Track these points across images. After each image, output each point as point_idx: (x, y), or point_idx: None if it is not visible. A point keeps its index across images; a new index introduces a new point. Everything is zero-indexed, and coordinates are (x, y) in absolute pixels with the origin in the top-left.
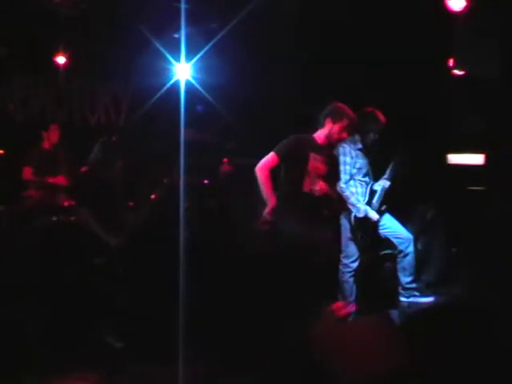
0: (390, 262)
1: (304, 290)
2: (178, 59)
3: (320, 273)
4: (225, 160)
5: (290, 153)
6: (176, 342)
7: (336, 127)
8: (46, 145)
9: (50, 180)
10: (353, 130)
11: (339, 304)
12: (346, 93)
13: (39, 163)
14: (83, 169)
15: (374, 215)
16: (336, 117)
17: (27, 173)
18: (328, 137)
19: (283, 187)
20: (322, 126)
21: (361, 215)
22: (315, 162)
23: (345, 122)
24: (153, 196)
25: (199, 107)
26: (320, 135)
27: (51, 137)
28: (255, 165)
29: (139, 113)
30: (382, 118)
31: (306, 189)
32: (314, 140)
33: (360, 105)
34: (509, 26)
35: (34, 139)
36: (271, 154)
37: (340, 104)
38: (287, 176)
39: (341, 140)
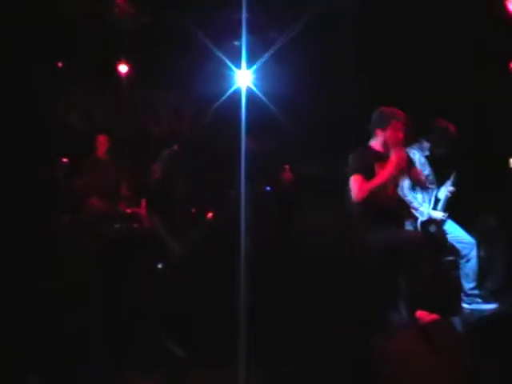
0: (453, 269)
1: (372, 298)
2: (239, 66)
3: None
4: (286, 167)
5: (364, 166)
6: (237, 351)
7: (388, 133)
8: (98, 154)
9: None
10: (405, 126)
11: (422, 313)
12: (409, 104)
13: (93, 173)
14: (154, 177)
15: (438, 214)
16: (383, 124)
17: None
18: (385, 145)
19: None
20: (374, 136)
21: (425, 218)
22: (380, 170)
23: (394, 125)
24: (210, 215)
25: (263, 115)
26: (376, 145)
27: (100, 147)
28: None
29: (202, 122)
30: (454, 132)
31: (380, 198)
32: (374, 150)
33: (424, 115)
34: None
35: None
36: (357, 177)
37: (382, 108)
38: None
39: (399, 141)
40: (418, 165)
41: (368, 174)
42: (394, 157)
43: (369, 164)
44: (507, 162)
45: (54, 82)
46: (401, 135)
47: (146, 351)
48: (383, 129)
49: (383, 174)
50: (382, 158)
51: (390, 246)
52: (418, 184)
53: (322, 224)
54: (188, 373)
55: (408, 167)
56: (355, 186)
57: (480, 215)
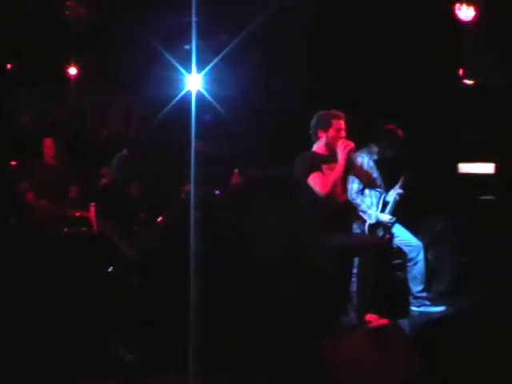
0: (400, 272)
1: (322, 300)
2: (189, 70)
3: (339, 283)
4: (236, 171)
5: (315, 166)
6: (188, 354)
7: (330, 133)
8: (46, 158)
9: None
10: (345, 126)
11: (372, 317)
12: (357, 104)
13: (41, 176)
14: (103, 180)
15: (386, 217)
16: (324, 125)
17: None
18: (328, 146)
19: (307, 207)
20: (317, 139)
21: (373, 221)
22: (328, 172)
23: (335, 125)
24: (159, 219)
25: (207, 116)
26: (320, 147)
27: (46, 151)
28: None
29: (150, 124)
30: (401, 136)
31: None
32: (318, 154)
33: (371, 114)
34: None
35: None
36: (316, 174)
37: (321, 112)
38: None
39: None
40: (366, 168)
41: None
42: (342, 148)
43: (318, 166)
44: (455, 167)
45: (3, 84)
46: (343, 134)
47: (95, 355)
48: (325, 130)
49: (340, 167)
50: (327, 160)
51: (339, 250)
52: (368, 184)
53: (271, 227)
54: (137, 376)
55: (356, 168)
56: (318, 181)
57: (428, 218)
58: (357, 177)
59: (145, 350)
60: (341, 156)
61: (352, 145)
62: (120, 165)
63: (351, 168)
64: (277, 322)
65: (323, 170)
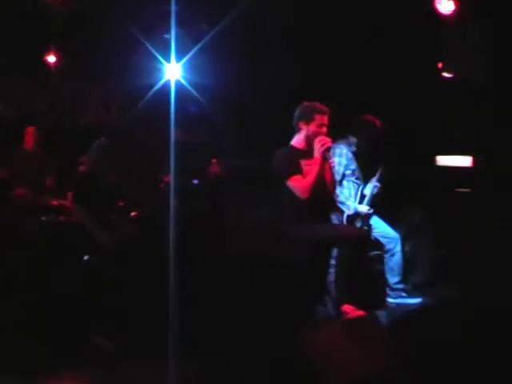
0: (378, 263)
1: (299, 292)
2: (168, 59)
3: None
4: (214, 161)
5: (294, 165)
6: (167, 343)
7: (311, 127)
8: (26, 146)
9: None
10: (328, 122)
11: (349, 308)
12: (337, 94)
13: (20, 164)
14: (81, 168)
15: (364, 208)
16: (307, 118)
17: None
18: (307, 139)
19: (287, 198)
20: (298, 131)
21: (351, 212)
22: (307, 168)
23: (318, 119)
24: (133, 214)
25: (192, 108)
26: (299, 141)
27: (28, 139)
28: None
29: (130, 113)
30: (381, 128)
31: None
32: (296, 149)
33: (349, 107)
34: (497, 30)
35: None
36: (295, 177)
37: (306, 103)
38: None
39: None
40: (344, 159)
41: (300, 173)
42: (318, 147)
43: (296, 163)
44: (433, 159)
45: None
46: (324, 130)
47: (74, 344)
48: (307, 123)
49: (315, 167)
50: (306, 155)
51: (317, 240)
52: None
53: (250, 218)
54: (115, 366)
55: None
56: (298, 186)
57: (406, 210)
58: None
59: (124, 339)
60: (316, 153)
61: (329, 143)
62: (98, 153)
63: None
64: (254, 312)
65: (301, 165)
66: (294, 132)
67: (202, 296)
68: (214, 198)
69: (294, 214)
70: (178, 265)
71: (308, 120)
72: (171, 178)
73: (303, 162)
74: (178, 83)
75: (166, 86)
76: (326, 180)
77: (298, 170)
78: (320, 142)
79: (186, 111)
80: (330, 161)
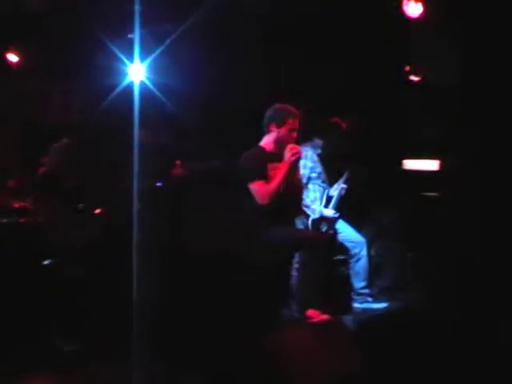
0: (343, 268)
1: (263, 295)
2: (132, 60)
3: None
4: (177, 162)
5: (260, 169)
6: (130, 345)
7: (282, 131)
8: None
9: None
10: (299, 127)
11: (313, 312)
12: (303, 96)
13: None
14: (41, 170)
15: (329, 212)
16: (279, 120)
17: None
18: (277, 142)
19: (250, 201)
20: (267, 132)
21: (316, 216)
22: (274, 172)
23: (290, 124)
24: (97, 211)
25: (156, 109)
26: (268, 143)
27: None
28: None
29: (92, 114)
30: (346, 129)
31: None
32: (265, 151)
33: (314, 108)
34: (466, 33)
35: None
36: (258, 183)
37: (279, 105)
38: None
39: (291, 141)
40: (309, 162)
41: (265, 177)
42: (289, 155)
43: (263, 166)
44: (400, 162)
45: None
46: (295, 135)
47: (34, 347)
48: (279, 126)
49: (280, 174)
50: (274, 158)
51: (282, 244)
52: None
53: (214, 221)
54: (77, 368)
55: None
56: (259, 192)
57: (374, 213)
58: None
59: (85, 341)
60: (286, 162)
61: (300, 153)
62: (58, 154)
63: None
64: (218, 315)
65: (268, 169)
66: (262, 134)
67: (165, 298)
68: (177, 200)
69: (258, 218)
70: (140, 269)
71: (280, 123)
72: (134, 180)
73: (271, 166)
74: (141, 84)
75: (130, 86)
76: (294, 184)
77: (263, 175)
78: (291, 150)
79: (150, 112)
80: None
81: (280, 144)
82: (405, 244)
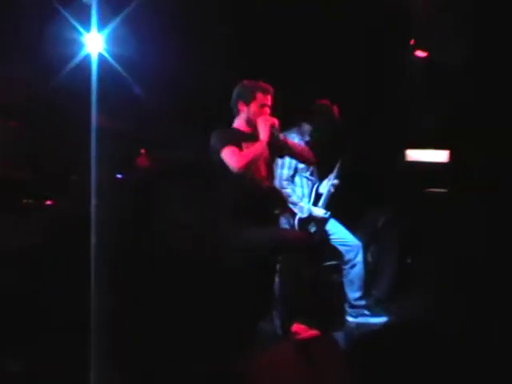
0: (335, 275)
1: (237, 305)
2: (88, 29)
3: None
4: (142, 151)
5: (233, 140)
6: (89, 355)
7: (252, 108)
8: None
9: None
10: (272, 101)
11: (299, 327)
12: (287, 75)
13: None
14: None
15: (319, 211)
16: (247, 97)
17: None
18: (249, 122)
19: (223, 189)
20: (237, 113)
21: (305, 215)
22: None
23: (259, 99)
24: (48, 202)
25: (117, 87)
26: (240, 124)
27: None
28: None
29: (43, 94)
30: (338, 114)
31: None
32: (238, 130)
33: (301, 90)
34: (478, 9)
35: None
36: (230, 148)
37: (245, 81)
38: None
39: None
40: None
41: (238, 146)
42: (263, 127)
43: (236, 140)
44: (402, 153)
45: None
46: (267, 111)
47: None
48: (247, 103)
49: (258, 145)
50: (249, 138)
51: (260, 246)
52: (308, 163)
53: (183, 219)
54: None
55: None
56: (231, 155)
57: (368, 213)
58: (293, 156)
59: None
60: (262, 133)
61: (274, 120)
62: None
63: (279, 148)
64: (187, 328)
65: (242, 147)
66: (234, 114)
67: (128, 307)
68: (142, 196)
69: (232, 214)
70: (98, 278)
71: (248, 99)
72: (92, 172)
73: (245, 145)
74: (100, 57)
75: (86, 60)
76: (265, 166)
77: (236, 142)
78: (263, 120)
79: (109, 90)
80: (281, 137)
81: (252, 123)
82: (406, 248)
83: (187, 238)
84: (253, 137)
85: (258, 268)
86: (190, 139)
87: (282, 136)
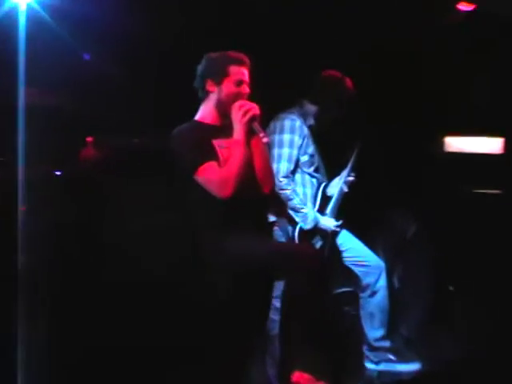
0: (349, 307)
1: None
2: None
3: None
4: (88, 140)
5: (204, 149)
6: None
7: (225, 87)
8: None
9: None
10: (250, 78)
11: (302, 376)
12: (280, 38)
13: None
14: None
15: (329, 223)
16: (217, 74)
17: None
18: (220, 108)
19: (196, 199)
20: (205, 97)
21: (308, 226)
22: (224, 151)
23: (234, 73)
24: None
25: (52, 50)
26: (207, 112)
27: None
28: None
29: None
30: (352, 88)
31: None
32: (204, 124)
33: (302, 57)
34: None
35: None
36: (209, 165)
37: (214, 53)
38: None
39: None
40: (297, 137)
41: (214, 157)
42: (239, 116)
43: (206, 145)
44: (439, 142)
45: None
46: (245, 90)
47: None
48: (217, 82)
49: (236, 150)
50: (219, 132)
51: (250, 267)
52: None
53: (144, 227)
54: None
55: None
56: (212, 180)
57: (393, 221)
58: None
59: None
60: (238, 129)
61: (256, 109)
62: None
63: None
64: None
65: (215, 148)
66: (200, 98)
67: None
68: (88, 198)
69: (210, 224)
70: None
71: (219, 77)
72: (18, 167)
73: (217, 143)
74: (29, 9)
75: (12, 13)
76: (256, 169)
77: (210, 155)
78: (241, 107)
79: (41, 54)
80: (261, 135)
81: (225, 109)
82: (446, 271)
83: (150, 256)
84: (225, 130)
85: (246, 297)
86: (153, 122)
87: (263, 136)
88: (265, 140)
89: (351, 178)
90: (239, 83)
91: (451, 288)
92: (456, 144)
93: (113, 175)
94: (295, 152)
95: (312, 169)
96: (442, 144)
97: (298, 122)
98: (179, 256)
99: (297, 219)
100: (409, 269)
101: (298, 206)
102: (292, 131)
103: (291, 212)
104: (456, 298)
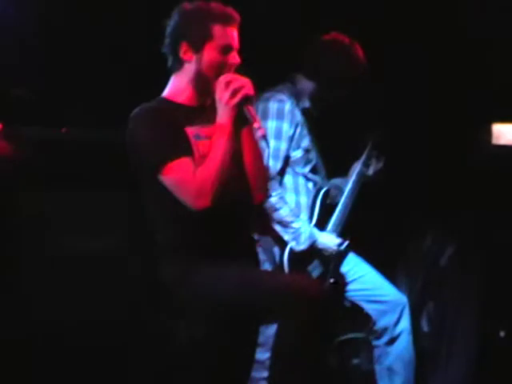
0: (360, 359)
1: None
2: None
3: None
4: None
5: (171, 139)
6: None
7: (207, 54)
8: None
9: None
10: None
11: None
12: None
13: None
14: None
15: (330, 241)
16: (196, 35)
17: None
18: (199, 82)
19: (161, 207)
20: (176, 68)
21: (302, 246)
22: (201, 143)
23: (220, 36)
24: None
25: None
26: (179, 89)
27: None
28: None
29: None
30: (363, 58)
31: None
32: (174, 103)
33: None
34: None
35: None
36: (178, 163)
37: (190, 6)
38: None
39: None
40: (286, 125)
41: (187, 152)
42: (227, 96)
43: (177, 134)
44: (482, 132)
45: None
46: (235, 59)
47: None
48: (197, 47)
49: (218, 144)
50: (196, 116)
51: (228, 301)
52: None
53: (84, 252)
54: None
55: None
56: (184, 184)
57: (420, 241)
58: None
59: None
60: (223, 113)
61: (249, 87)
62: None
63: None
64: None
65: (189, 139)
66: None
67: None
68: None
69: (177, 245)
70: None
71: (198, 40)
72: None
73: (192, 132)
74: None
75: None
76: (246, 170)
77: (181, 149)
78: (229, 84)
79: None
80: (255, 125)
81: (205, 85)
82: (495, 309)
83: (93, 291)
84: (204, 113)
85: (223, 349)
86: (89, 101)
87: (258, 126)
88: (260, 132)
89: (361, 177)
90: (226, 50)
91: (502, 334)
92: (505, 133)
93: (28, 178)
94: (284, 146)
95: (307, 169)
96: (486, 134)
97: (288, 105)
98: (134, 287)
99: (286, 237)
100: (443, 306)
101: (288, 218)
102: (279, 117)
103: (278, 227)
104: (509, 347)
